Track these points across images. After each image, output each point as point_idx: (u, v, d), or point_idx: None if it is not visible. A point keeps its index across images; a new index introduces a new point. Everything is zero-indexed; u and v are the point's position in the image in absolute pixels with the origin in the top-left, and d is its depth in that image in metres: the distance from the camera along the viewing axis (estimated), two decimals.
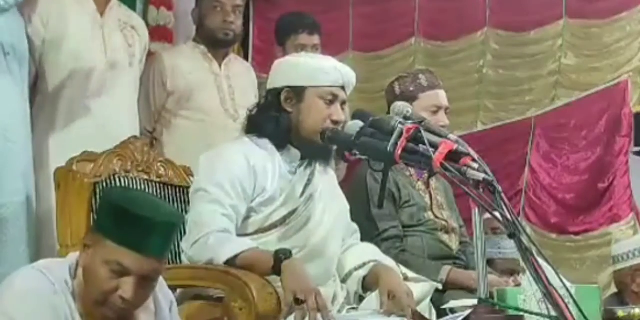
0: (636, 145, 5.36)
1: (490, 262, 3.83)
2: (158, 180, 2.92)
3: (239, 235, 2.58)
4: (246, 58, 5.59)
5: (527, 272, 2.09)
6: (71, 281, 2.02)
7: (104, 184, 2.74)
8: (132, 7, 4.20)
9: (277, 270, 2.39)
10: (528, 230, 5.12)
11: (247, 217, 2.62)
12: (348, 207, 2.86)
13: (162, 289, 2.20)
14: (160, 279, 2.18)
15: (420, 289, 2.69)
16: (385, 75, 5.43)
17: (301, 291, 2.30)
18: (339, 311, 2.59)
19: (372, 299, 2.60)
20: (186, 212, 2.67)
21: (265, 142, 2.70)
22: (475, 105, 5.72)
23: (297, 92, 2.68)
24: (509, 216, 2.02)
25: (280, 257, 2.40)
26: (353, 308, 2.65)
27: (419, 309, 2.60)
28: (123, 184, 2.78)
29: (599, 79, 5.39)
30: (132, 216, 1.96)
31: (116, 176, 2.80)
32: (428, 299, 2.73)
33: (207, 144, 3.23)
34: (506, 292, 2.52)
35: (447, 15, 5.87)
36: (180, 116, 3.79)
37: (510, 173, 5.43)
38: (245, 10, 4.14)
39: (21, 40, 3.14)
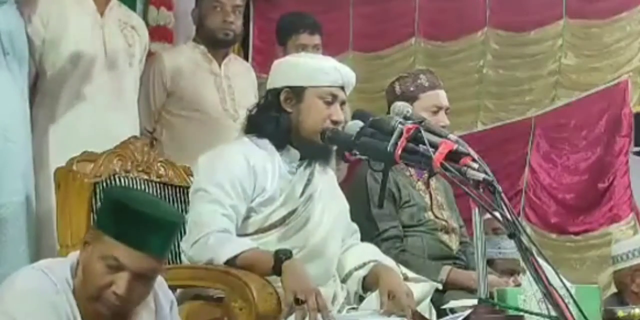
0: (636, 145, 5.36)
1: (490, 262, 3.83)
2: (158, 180, 2.92)
3: (238, 235, 2.58)
4: (246, 58, 5.59)
5: (527, 272, 2.09)
6: (72, 280, 2.02)
7: (104, 184, 2.74)
8: (132, 7, 4.21)
9: (277, 270, 2.39)
10: (528, 230, 5.12)
11: (246, 217, 2.62)
12: (348, 207, 2.86)
13: (162, 289, 2.20)
14: (161, 278, 2.19)
15: (420, 289, 2.69)
16: (385, 75, 5.43)
17: (301, 291, 2.30)
18: (339, 311, 2.59)
19: (372, 299, 2.60)
20: (186, 212, 2.67)
21: (265, 142, 2.70)
22: (475, 105, 5.72)
23: (297, 92, 2.68)
24: (509, 216, 2.02)
25: (281, 257, 2.40)
26: (353, 308, 2.65)
27: (419, 309, 2.60)
28: (123, 184, 2.78)
29: (599, 79, 5.39)
30: (132, 212, 1.97)
31: (116, 176, 2.80)
32: (428, 299, 2.73)
33: (207, 144, 3.22)
34: (506, 292, 2.52)
35: (447, 15, 5.87)
36: (180, 116, 3.79)
37: (510, 173, 5.43)
38: (245, 10, 4.14)
39: (21, 40, 3.13)
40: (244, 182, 2.60)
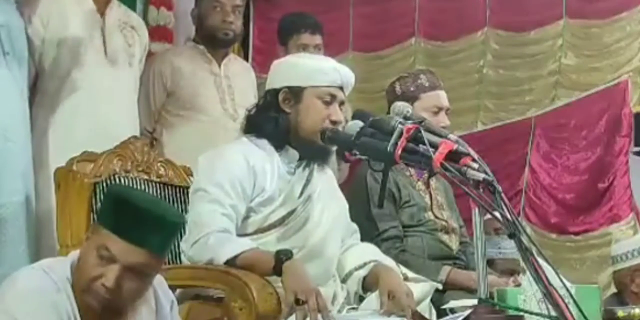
0: (636, 145, 5.35)
1: (490, 262, 3.83)
2: (158, 180, 2.92)
3: (238, 235, 2.58)
4: (246, 58, 5.59)
5: (527, 272, 2.09)
6: (72, 278, 2.03)
7: (104, 184, 2.74)
8: (132, 7, 4.20)
9: (278, 270, 2.39)
10: (528, 230, 5.12)
11: (246, 217, 2.62)
12: (347, 207, 2.86)
13: (162, 288, 2.20)
14: (161, 278, 2.19)
15: (420, 289, 2.69)
16: (385, 75, 5.43)
17: (302, 291, 2.30)
18: (339, 311, 2.59)
19: (372, 299, 2.60)
20: (186, 212, 2.68)
21: (264, 142, 2.70)
22: (475, 105, 5.72)
23: (295, 93, 2.68)
24: (509, 216, 2.02)
25: (281, 257, 2.40)
26: (353, 308, 2.65)
27: (419, 309, 2.60)
28: (123, 184, 2.78)
29: (599, 79, 5.39)
30: (132, 207, 1.98)
31: (116, 176, 2.80)
32: (428, 299, 2.73)
33: (206, 143, 3.23)
34: (506, 292, 2.52)
35: (447, 15, 5.87)
36: (180, 116, 3.79)
37: (510, 173, 5.43)
38: (245, 10, 4.15)
39: (20, 39, 3.13)
40: (243, 182, 2.61)
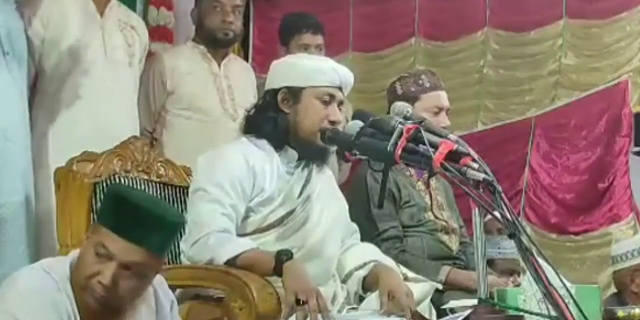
0: (636, 145, 5.35)
1: (490, 262, 3.83)
2: (158, 180, 2.92)
3: (237, 235, 2.59)
4: (246, 58, 5.59)
5: (527, 272, 2.09)
6: (71, 277, 2.03)
7: (104, 184, 2.74)
8: (132, 7, 4.21)
9: (278, 271, 2.40)
10: (528, 230, 5.12)
11: (245, 217, 2.63)
12: (347, 207, 2.86)
13: (162, 288, 2.20)
14: (161, 278, 2.19)
15: (420, 289, 2.69)
16: (385, 75, 5.43)
17: (302, 292, 2.30)
18: (339, 311, 2.60)
19: (372, 299, 2.60)
20: (186, 212, 2.67)
21: (263, 142, 2.70)
22: (475, 105, 5.71)
23: (294, 93, 2.68)
24: (509, 216, 2.02)
25: (282, 258, 2.40)
26: (353, 308, 2.65)
27: (419, 309, 2.60)
28: (123, 184, 2.78)
29: (599, 79, 5.38)
30: (131, 206, 1.98)
31: (116, 176, 2.80)
32: (428, 299, 2.73)
33: (206, 143, 3.23)
34: (506, 292, 2.52)
35: (447, 15, 5.87)
36: (180, 116, 3.79)
37: (510, 173, 5.42)
38: (245, 10, 4.15)
39: (20, 40, 3.14)
40: (243, 182, 2.61)
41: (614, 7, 5.39)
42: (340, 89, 2.70)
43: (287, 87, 2.69)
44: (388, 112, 2.82)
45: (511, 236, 2.01)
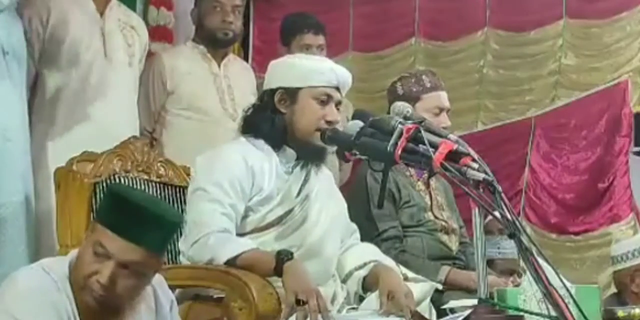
0: (636, 145, 5.35)
1: (489, 262, 3.83)
2: (158, 180, 2.92)
3: (236, 234, 2.59)
4: (246, 58, 5.59)
5: (527, 272, 2.09)
6: (70, 277, 2.03)
7: (104, 184, 2.74)
8: (132, 7, 4.20)
9: (278, 271, 2.40)
10: (528, 230, 5.11)
11: (244, 217, 2.63)
12: (346, 207, 2.87)
13: (162, 288, 2.20)
14: (161, 278, 2.19)
15: (420, 289, 2.69)
16: (385, 75, 5.43)
17: (302, 292, 2.30)
18: (339, 311, 2.60)
19: (372, 299, 2.60)
20: (186, 212, 2.67)
21: (262, 142, 2.71)
22: (475, 105, 5.71)
23: (291, 93, 2.68)
24: (509, 216, 2.02)
25: (282, 258, 2.41)
26: (353, 308, 2.65)
27: (419, 309, 2.60)
28: (123, 184, 2.78)
29: (599, 79, 5.38)
30: (130, 205, 1.98)
31: (116, 176, 2.80)
32: (428, 299, 2.73)
33: (206, 143, 3.23)
34: (506, 292, 2.52)
35: (447, 15, 5.86)
36: (180, 116, 3.79)
37: (510, 173, 5.42)
38: (245, 10, 4.16)
39: (19, 40, 3.14)
40: (242, 182, 2.61)
41: (614, 7, 5.39)
42: (337, 89, 2.70)
43: (284, 88, 2.69)
44: (388, 112, 2.82)
45: (511, 236, 2.00)
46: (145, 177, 2.89)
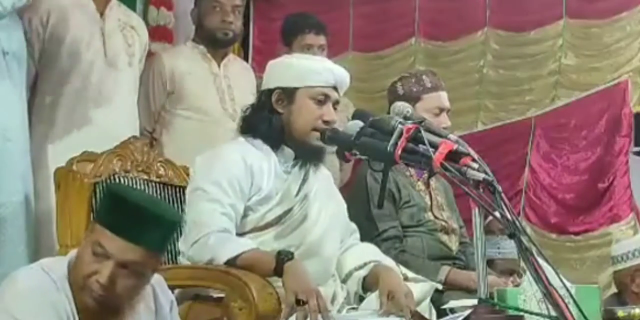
0: (636, 145, 5.35)
1: (489, 262, 3.83)
2: (158, 180, 2.92)
3: (235, 233, 2.59)
4: (246, 58, 5.59)
5: (527, 272, 2.09)
6: (69, 277, 2.02)
7: (104, 184, 2.74)
8: (132, 7, 4.20)
9: (279, 271, 2.40)
10: (528, 230, 5.11)
11: (243, 216, 2.63)
12: (345, 206, 2.87)
13: (162, 288, 2.20)
14: (160, 278, 2.19)
15: (420, 289, 2.69)
16: (385, 75, 5.42)
17: (302, 292, 2.30)
18: (339, 311, 2.60)
19: (372, 299, 2.60)
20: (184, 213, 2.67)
21: (260, 142, 2.71)
22: (475, 105, 5.71)
23: (288, 93, 2.68)
24: (509, 216, 2.02)
25: (283, 258, 2.41)
26: (353, 308, 2.65)
27: (419, 309, 2.60)
28: (123, 184, 2.78)
29: (599, 79, 5.38)
30: (128, 204, 1.98)
31: (116, 176, 2.80)
32: (428, 299, 2.73)
33: (206, 143, 3.23)
34: (506, 292, 2.52)
35: (447, 15, 5.86)
36: (180, 116, 3.79)
37: (510, 173, 5.42)
38: (245, 10, 4.16)
39: (19, 40, 3.13)
40: (241, 181, 2.61)
41: (614, 7, 5.38)
42: (335, 88, 2.71)
43: (282, 88, 2.70)
44: (388, 112, 2.82)
45: (511, 236, 2.00)
46: (145, 177, 2.89)
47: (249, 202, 2.62)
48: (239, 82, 3.91)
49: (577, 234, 5.28)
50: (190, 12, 4.02)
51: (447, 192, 3.56)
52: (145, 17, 4.75)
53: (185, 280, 2.53)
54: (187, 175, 2.97)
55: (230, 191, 2.59)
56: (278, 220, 2.64)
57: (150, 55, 3.80)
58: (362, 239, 2.90)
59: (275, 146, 2.70)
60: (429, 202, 3.44)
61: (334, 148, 2.72)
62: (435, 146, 2.17)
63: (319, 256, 2.66)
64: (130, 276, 1.99)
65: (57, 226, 2.72)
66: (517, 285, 3.29)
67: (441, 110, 3.41)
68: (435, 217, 3.42)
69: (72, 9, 3.36)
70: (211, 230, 2.51)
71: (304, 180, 2.72)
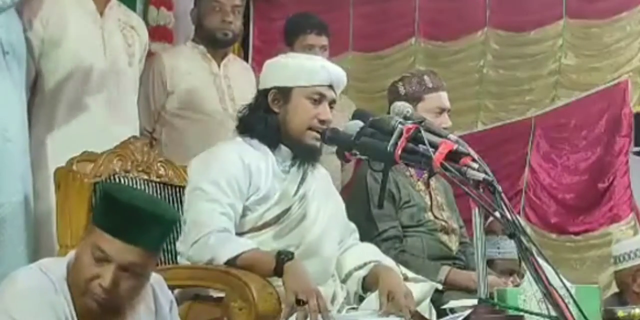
0: (636, 145, 5.34)
1: (489, 262, 3.83)
2: (158, 180, 2.92)
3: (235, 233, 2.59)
4: (246, 58, 5.58)
5: (527, 272, 2.09)
6: (68, 278, 2.02)
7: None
8: (132, 7, 4.20)
9: (279, 271, 2.40)
10: (528, 230, 5.11)
11: (242, 216, 2.63)
12: (344, 206, 2.87)
13: (162, 289, 2.20)
14: (160, 278, 2.19)
15: (420, 289, 2.69)
16: (385, 75, 5.42)
17: (303, 292, 2.31)
18: (339, 311, 2.60)
19: (372, 299, 2.60)
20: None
21: (258, 142, 2.71)
22: (475, 105, 5.70)
23: (284, 93, 2.69)
24: (509, 216, 2.02)
25: (283, 258, 2.41)
26: (353, 308, 2.65)
27: (419, 309, 2.60)
28: (123, 184, 2.78)
29: (599, 79, 5.38)
30: (122, 205, 1.97)
31: (116, 176, 2.80)
32: (428, 299, 2.73)
33: (206, 143, 3.22)
34: (506, 292, 2.52)
35: (447, 15, 5.86)
36: (180, 116, 3.79)
37: (510, 173, 5.41)
38: (245, 10, 4.16)
39: (19, 39, 3.13)
40: (239, 181, 2.61)
41: (614, 7, 5.38)
42: (331, 87, 2.71)
43: (277, 87, 2.70)
44: (388, 112, 2.82)
45: (511, 236, 2.00)
46: (145, 177, 2.89)
47: (247, 202, 2.63)
48: (239, 82, 3.91)
49: (577, 234, 5.28)
50: (190, 12, 4.02)
51: (447, 192, 3.56)
52: (145, 17, 4.75)
53: (185, 280, 2.53)
54: (187, 175, 2.97)
55: (229, 191, 2.59)
56: (276, 219, 2.64)
57: (150, 55, 3.80)
58: (362, 239, 2.90)
59: (272, 146, 2.70)
60: (429, 202, 3.44)
61: (334, 148, 2.72)
62: (435, 146, 2.17)
63: (319, 256, 2.66)
64: (131, 278, 1.99)
65: (57, 226, 2.72)
66: (517, 285, 3.30)
67: (442, 110, 3.42)
68: (435, 217, 3.42)
69: (72, 9, 3.36)
70: (211, 230, 2.51)
71: (302, 180, 2.72)
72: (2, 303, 1.95)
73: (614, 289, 4.22)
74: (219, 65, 3.89)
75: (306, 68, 2.70)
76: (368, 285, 2.67)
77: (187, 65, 3.84)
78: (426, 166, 2.22)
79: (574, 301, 2.06)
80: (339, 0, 5.98)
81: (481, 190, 2.07)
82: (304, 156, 2.72)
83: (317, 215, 2.69)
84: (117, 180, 2.79)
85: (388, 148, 2.27)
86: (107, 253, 1.96)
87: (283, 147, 2.71)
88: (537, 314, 2.19)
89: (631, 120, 5.20)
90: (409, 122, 2.31)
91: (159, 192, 2.90)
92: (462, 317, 2.22)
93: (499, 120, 5.63)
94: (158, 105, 3.80)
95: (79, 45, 3.32)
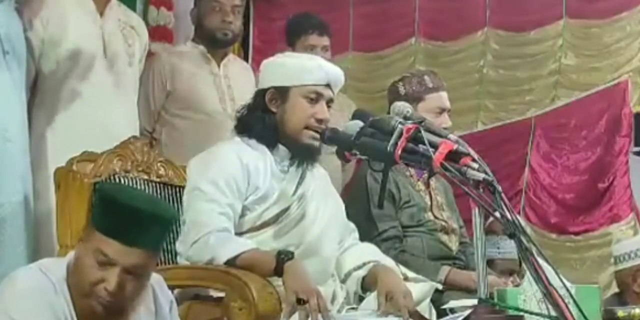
0: (636, 145, 5.34)
1: (489, 262, 3.83)
2: (158, 180, 2.92)
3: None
4: (246, 58, 5.58)
5: (527, 272, 2.09)
6: (68, 279, 2.02)
7: None
8: (132, 7, 4.20)
9: (279, 271, 2.40)
10: (528, 230, 5.11)
11: (241, 216, 2.63)
12: (343, 205, 2.87)
13: (162, 289, 2.20)
14: (160, 278, 2.18)
15: (420, 289, 2.69)
16: (385, 75, 5.41)
17: (303, 292, 2.31)
18: (339, 311, 2.60)
19: (372, 299, 2.60)
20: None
21: (256, 142, 2.71)
22: (475, 105, 5.70)
23: (282, 92, 2.69)
24: (509, 216, 2.02)
25: (283, 258, 2.41)
26: (352, 308, 2.65)
27: (419, 309, 2.60)
28: (123, 184, 2.78)
29: (599, 79, 5.38)
30: (120, 206, 1.97)
31: (116, 176, 2.80)
32: (428, 299, 2.73)
33: (206, 143, 3.22)
34: (506, 292, 2.52)
35: (447, 15, 5.86)
36: (180, 116, 3.79)
37: (510, 173, 5.41)
38: (245, 11, 4.16)
39: (19, 39, 3.13)
40: (238, 181, 2.61)
41: (614, 7, 5.38)
42: (329, 86, 2.71)
43: (275, 87, 2.71)
44: (388, 112, 2.82)
45: (511, 236, 2.00)
46: (145, 177, 2.89)
47: (246, 202, 2.63)
48: (238, 82, 3.91)
49: (577, 234, 5.27)
50: (190, 12, 4.02)
51: (447, 192, 3.56)
52: (145, 17, 4.75)
53: (185, 280, 2.53)
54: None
55: (228, 191, 2.59)
56: (275, 219, 2.64)
57: (150, 55, 3.80)
58: (362, 239, 2.90)
59: (270, 145, 2.70)
60: (429, 202, 3.44)
61: (334, 148, 2.72)
62: (435, 146, 2.17)
63: (318, 256, 2.66)
64: (134, 279, 1.99)
65: (57, 226, 2.72)
66: (517, 285, 3.30)
67: (442, 110, 3.42)
68: (435, 217, 3.42)
69: (72, 9, 3.35)
70: (211, 230, 2.51)
71: (301, 179, 2.72)
72: (2, 303, 1.94)
73: (614, 289, 4.22)
74: (219, 65, 3.89)
75: (303, 67, 2.70)
76: (367, 285, 2.67)
77: (187, 65, 3.84)
78: (426, 166, 2.22)
79: (574, 301, 2.06)
80: (339, 0, 5.98)
81: (481, 190, 2.07)
82: (302, 156, 2.72)
83: (316, 215, 2.69)
84: (117, 180, 2.79)
85: (388, 148, 2.27)
86: (110, 257, 1.96)
87: (281, 147, 2.71)
88: (537, 314, 2.19)
89: (631, 120, 5.20)
90: (409, 122, 2.31)
91: (159, 192, 2.90)
92: (462, 317, 2.22)
93: (499, 120, 5.63)
94: (158, 105, 3.80)
95: (79, 45, 3.32)
